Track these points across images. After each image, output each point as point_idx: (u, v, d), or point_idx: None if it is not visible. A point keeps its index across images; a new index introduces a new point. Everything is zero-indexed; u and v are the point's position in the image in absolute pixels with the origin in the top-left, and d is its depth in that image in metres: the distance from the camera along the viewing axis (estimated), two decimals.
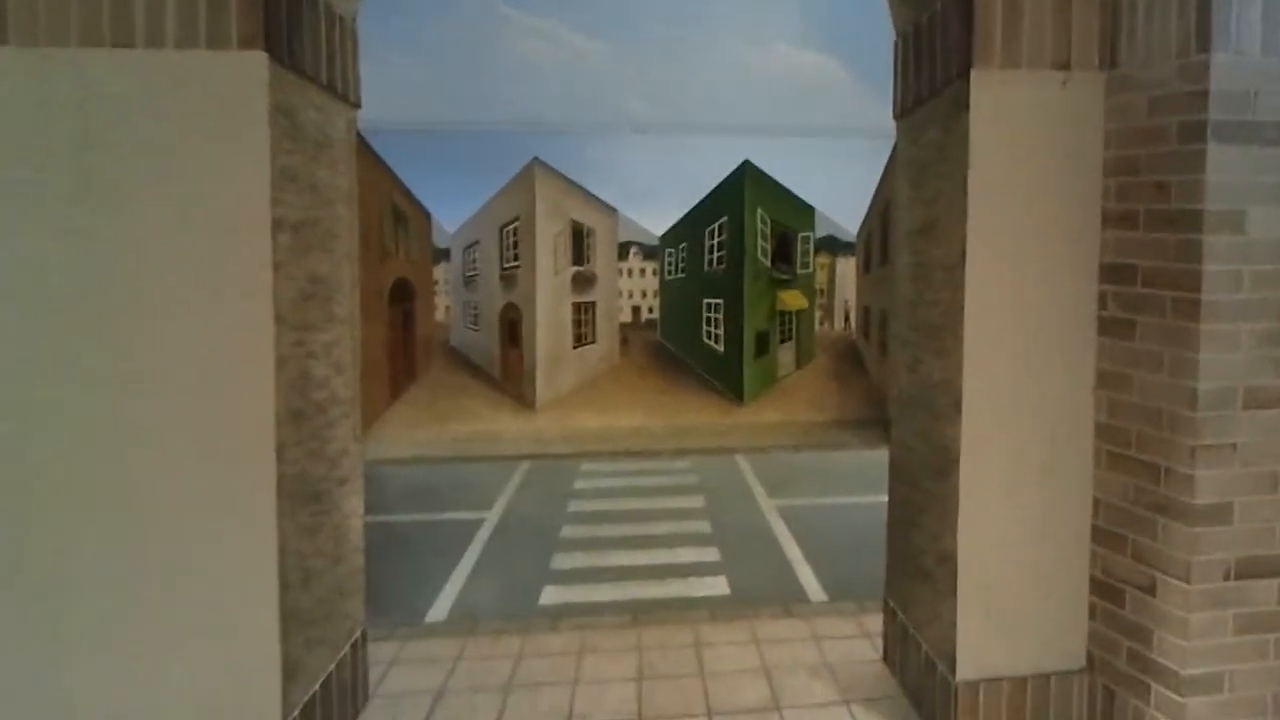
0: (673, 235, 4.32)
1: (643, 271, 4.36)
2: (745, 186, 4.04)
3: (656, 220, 4.34)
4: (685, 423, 4.06)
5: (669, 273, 4.40)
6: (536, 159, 4.01)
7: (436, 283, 4.25)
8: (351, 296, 3.19)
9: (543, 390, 4.01)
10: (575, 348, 4.20)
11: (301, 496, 2.74)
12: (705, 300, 4.26)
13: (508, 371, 4.13)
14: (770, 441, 4.03)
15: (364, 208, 3.43)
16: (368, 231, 3.52)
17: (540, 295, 4.02)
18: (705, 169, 4.17)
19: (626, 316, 4.33)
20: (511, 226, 4.11)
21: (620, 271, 4.29)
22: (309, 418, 2.80)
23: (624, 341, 4.30)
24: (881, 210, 4.04)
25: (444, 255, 4.27)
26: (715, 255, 4.22)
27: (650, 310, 4.33)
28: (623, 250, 4.32)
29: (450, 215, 4.19)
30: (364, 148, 3.42)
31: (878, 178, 4.06)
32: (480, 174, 4.13)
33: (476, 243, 4.22)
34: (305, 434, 2.77)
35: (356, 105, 3.22)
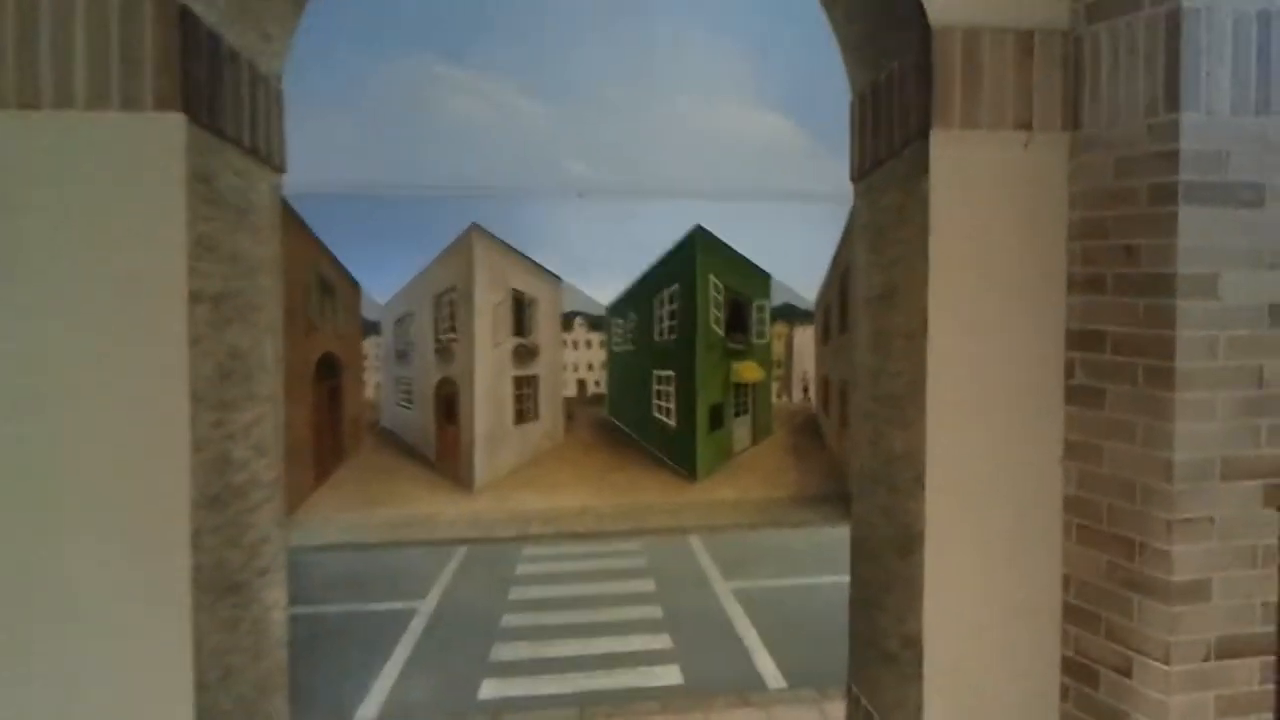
0: (621, 305, 4.33)
1: (589, 343, 4.37)
2: (696, 252, 4.09)
3: (603, 289, 4.35)
4: (635, 502, 4.05)
5: (617, 344, 4.41)
6: (475, 225, 4.02)
7: (366, 358, 4.20)
8: (275, 373, 3.13)
9: (481, 470, 3.96)
10: (517, 424, 4.20)
11: (219, 587, 2.67)
12: (655, 372, 4.28)
13: (444, 451, 4.08)
14: (725, 520, 4.02)
15: (289, 278, 3.40)
16: (292, 303, 3.48)
17: (479, 369, 4.00)
18: (654, 235, 4.22)
19: (571, 390, 4.32)
20: (448, 296, 4.10)
21: (565, 343, 4.30)
22: (227, 503, 2.74)
23: (569, 417, 4.29)
24: (840, 276, 4.11)
25: (374, 328, 4.22)
26: (666, 325, 4.25)
27: (597, 384, 4.32)
28: (567, 321, 4.33)
29: (381, 286, 4.17)
30: (289, 214, 3.41)
31: (836, 243, 4.13)
32: (414, 241, 4.14)
33: (410, 314, 4.19)
34: (223, 520, 2.71)
35: (281, 169, 3.19)
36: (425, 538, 3.78)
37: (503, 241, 3.84)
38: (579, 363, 4.04)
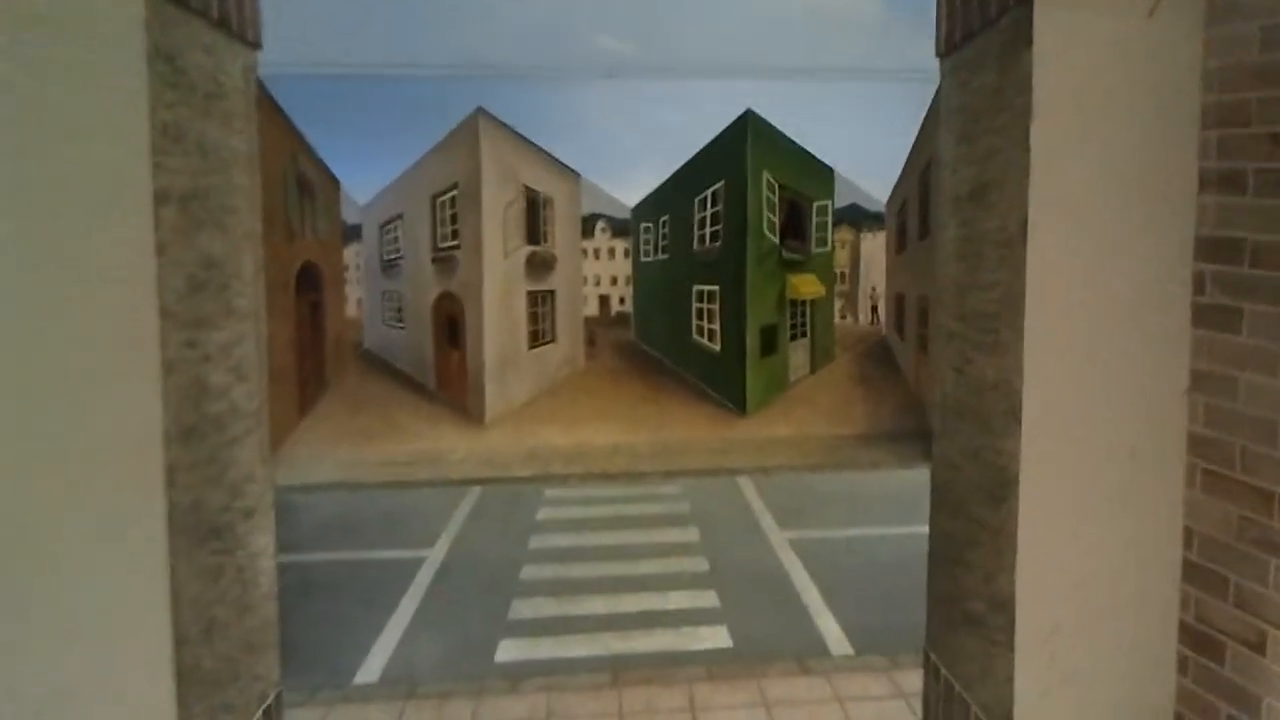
0: (651, 206, 4.24)
1: (612, 252, 4.28)
2: (748, 142, 3.97)
3: (631, 188, 4.26)
4: (674, 438, 4.02)
5: (646, 254, 4.32)
6: (481, 109, 3.93)
7: (346, 268, 4.15)
8: (255, 285, 3.18)
9: (493, 400, 3.95)
10: (531, 348, 4.14)
11: (199, 532, 2.72)
12: (695, 287, 4.20)
13: (445, 378, 4.06)
14: (781, 461, 3.99)
15: (266, 174, 3.38)
16: (271, 204, 3.46)
17: (488, 283, 3.96)
18: (695, 122, 4.11)
19: (592, 309, 4.25)
20: (448, 196, 4.04)
21: (585, 253, 4.21)
22: (205, 435, 2.78)
23: (590, 341, 4.22)
24: (920, 172, 3.99)
25: (354, 234, 4.16)
26: (708, 230, 4.16)
27: (622, 301, 4.25)
28: (588, 225, 4.24)
29: (361, 183, 4.08)
30: (265, 99, 3.37)
31: (915, 132, 4.01)
32: (406, 130, 4.04)
33: (399, 218, 4.13)
34: (201, 455, 2.75)
35: (256, 46, 3.18)
36: (431, 477, 3.75)
37: (513, 130, 3.75)
38: (601, 276, 3.96)
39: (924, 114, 3.83)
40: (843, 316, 4.28)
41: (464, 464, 3.85)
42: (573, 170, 4.15)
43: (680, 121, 4.17)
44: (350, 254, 4.10)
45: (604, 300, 4.31)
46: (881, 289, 4.27)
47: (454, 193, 4.01)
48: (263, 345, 3.22)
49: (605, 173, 4.20)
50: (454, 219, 4.02)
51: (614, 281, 4.30)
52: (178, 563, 2.55)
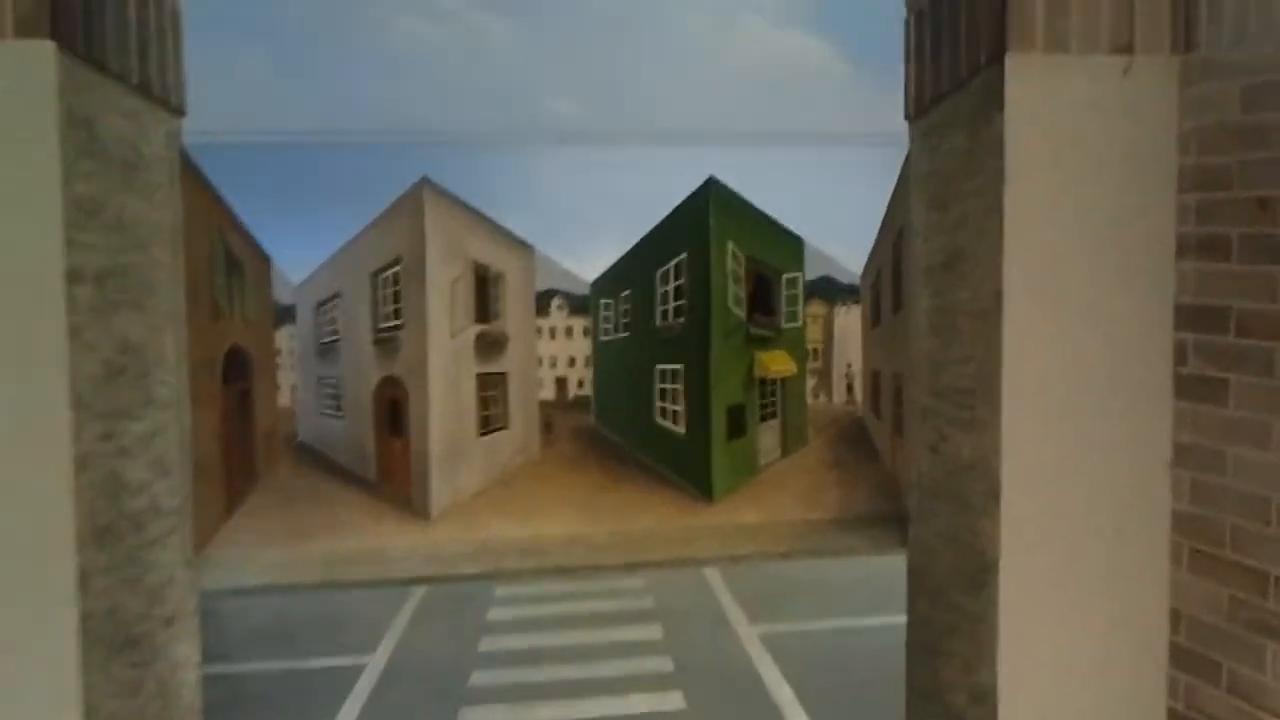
0: (611, 281, 4.21)
1: (570, 331, 4.23)
2: (710, 212, 3.98)
3: (589, 262, 4.22)
4: (636, 528, 3.94)
5: (606, 332, 4.28)
6: (425, 179, 3.91)
7: (279, 353, 4.06)
8: (177, 371, 3.15)
9: (439, 492, 3.88)
10: (482, 435, 4.09)
11: (114, 642, 2.66)
12: (658, 366, 4.17)
13: (388, 469, 3.99)
14: (750, 549, 3.95)
15: (190, 250, 3.36)
16: (195, 283, 3.42)
17: (434, 365, 3.91)
18: (655, 191, 4.10)
19: (549, 392, 4.20)
20: (390, 273, 4.00)
21: (540, 331, 4.17)
22: (122, 536, 2.73)
23: (546, 426, 4.18)
24: (893, 241, 4.01)
25: (287, 315, 4.09)
26: (671, 305, 4.15)
27: (581, 385, 4.20)
28: (543, 302, 4.20)
29: (295, 260, 4.03)
30: (189, 169, 3.36)
31: (886, 199, 4.03)
32: (340, 203, 4.00)
33: (336, 296, 4.06)
34: (118, 557, 2.70)
35: (180, 112, 3.19)
36: (373, 577, 3.66)
37: (460, 200, 3.73)
38: (557, 357, 3.91)
39: (895, 180, 3.86)
40: (816, 396, 4.26)
41: (407, 562, 3.77)
42: (525, 243, 4.12)
43: (640, 190, 4.16)
44: (283, 337, 4.02)
45: (561, 383, 4.26)
46: (858, 366, 4.25)
47: (396, 268, 3.97)
48: (186, 437, 3.18)
49: (561, 245, 4.17)
50: (396, 297, 3.97)
51: (571, 362, 4.26)
52: (91, 676, 2.48)
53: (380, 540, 3.82)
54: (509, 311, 4.10)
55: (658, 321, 4.13)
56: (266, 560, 3.65)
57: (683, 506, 4.01)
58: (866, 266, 4.24)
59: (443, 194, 3.95)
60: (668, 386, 4.10)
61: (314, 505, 3.83)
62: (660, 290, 4.13)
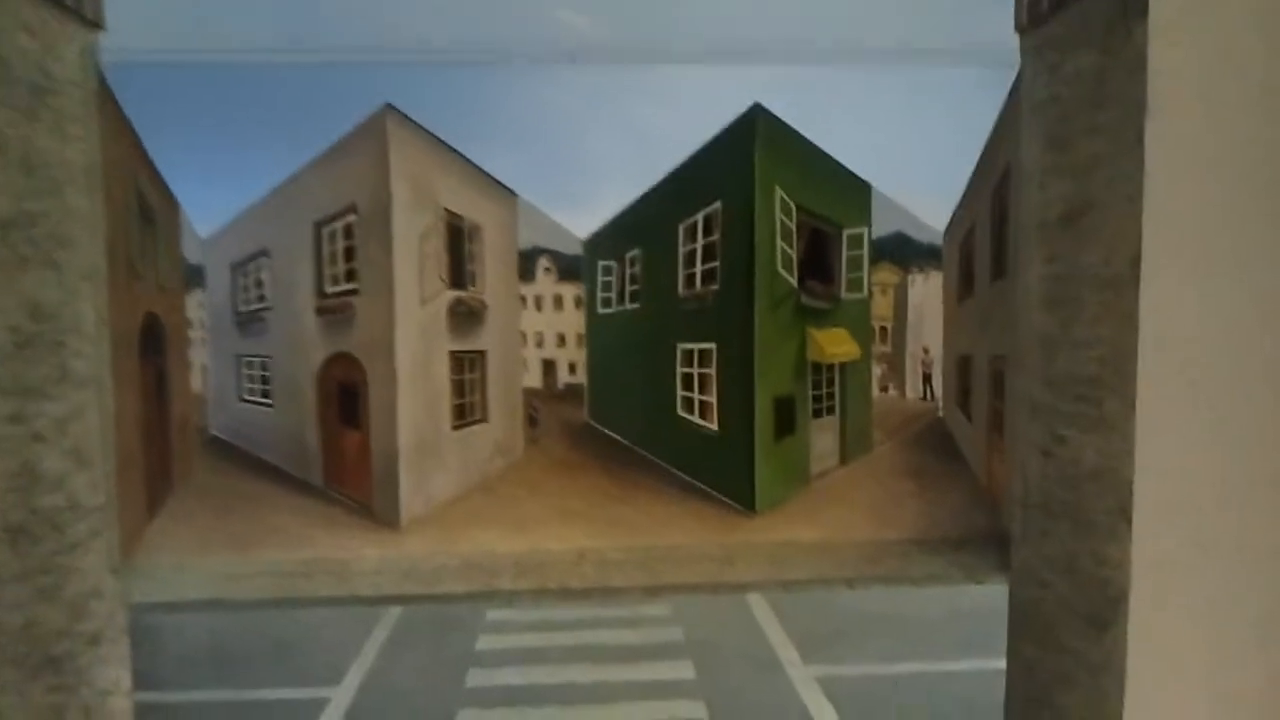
0: (614, 238, 4.07)
1: (559, 301, 4.11)
2: (756, 148, 3.83)
3: (585, 213, 4.06)
4: (659, 544, 3.87)
5: (606, 304, 4.15)
6: (389, 107, 3.75)
7: (189, 325, 3.91)
8: (98, 342, 3.13)
9: (410, 497, 3.85)
10: (455, 428, 4.03)
11: (30, 662, 2.71)
12: (681, 346, 4.08)
13: (339, 470, 3.90)
14: (805, 573, 3.86)
15: (108, 196, 3.29)
16: (113, 237, 3.34)
17: (402, 339, 3.81)
18: (680, 122, 3.92)
19: (534, 378, 4.08)
20: (339, 224, 3.87)
21: (524, 301, 4.04)
22: (38, 538, 2.79)
23: (531, 420, 4.06)
24: (993, 190, 3.86)
25: (194, 278, 3.92)
26: (699, 269, 4.02)
27: (573, 369, 4.07)
28: (527, 264, 4.06)
29: (205, 208, 3.86)
30: (109, 98, 3.30)
31: (985, 134, 3.85)
32: (271, 137, 3.81)
33: (262, 254, 3.94)
34: (32, 563, 2.75)
35: (97, 25, 3.11)
36: (335, 594, 3.56)
37: (431, 134, 3.55)
38: (544, 334, 3.73)
39: (999, 110, 3.67)
40: (883, 388, 4.12)
41: (377, 577, 3.73)
42: (507, 189, 3.97)
43: (660, 122, 3.99)
44: (190, 306, 3.88)
45: (549, 366, 4.16)
46: (937, 351, 4.10)
47: (349, 219, 3.89)
48: (109, 421, 3.19)
49: (551, 193, 4.00)
50: (349, 254, 3.87)
51: (561, 341, 4.14)
52: (5, 701, 2.55)
53: (339, 552, 3.79)
54: (487, 275, 3.99)
55: (681, 289, 4.10)
56: (207, 570, 3.64)
57: (717, 520, 3.93)
58: (953, 221, 4.09)
59: (410, 125, 3.83)
60: (695, 371, 3.99)
61: (249, 509, 3.79)
62: (685, 249, 4.09)
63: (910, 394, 4.13)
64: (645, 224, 4.00)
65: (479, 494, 3.93)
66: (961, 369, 4.09)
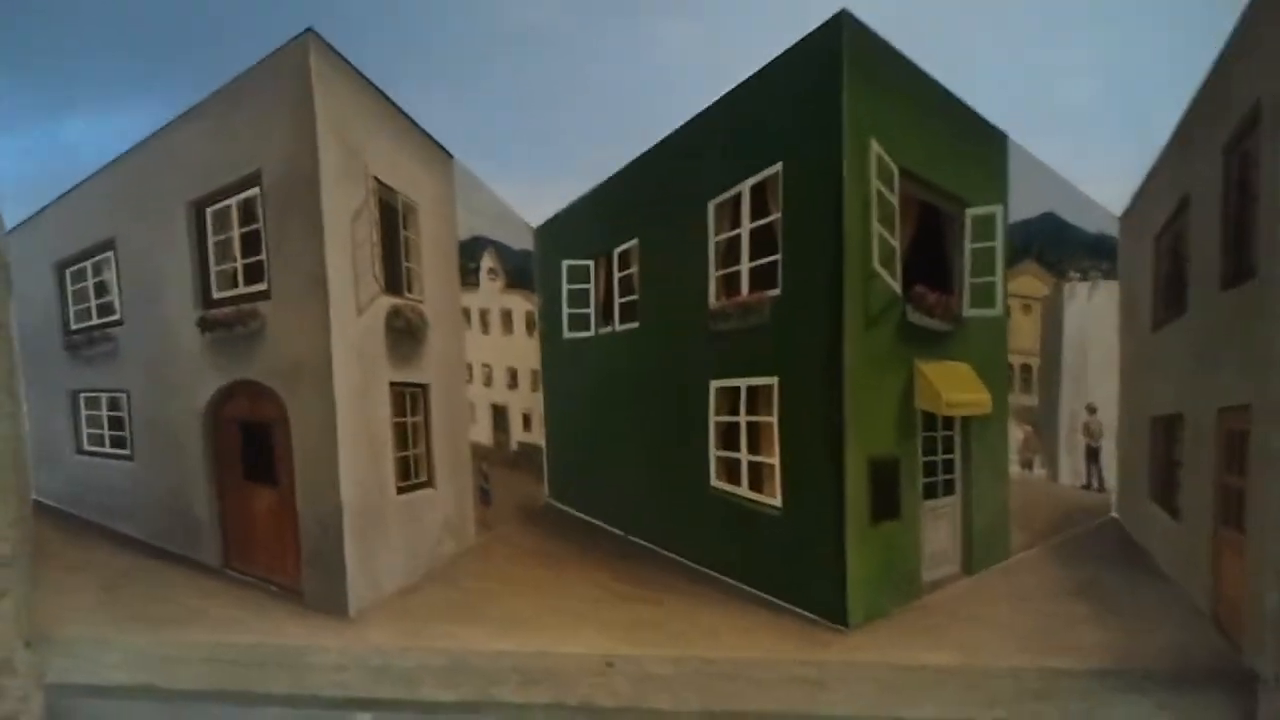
0: (591, 225, 3.33)
1: (507, 319, 3.24)
2: (844, 79, 2.73)
3: (548, 186, 3.23)
4: (718, 657, 3.10)
5: (577, 324, 3.45)
6: (312, 33, 2.78)
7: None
8: (4, 350, 2.90)
9: (357, 577, 3.08)
10: (400, 490, 3.19)
11: None
12: (716, 384, 3.11)
13: (245, 543, 3.20)
14: (938, 709, 3.00)
15: None
16: None
17: (340, 359, 2.92)
18: (707, 42, 2.97)
19: (482, 430, 3.34)
20: (233, 201, 3.03)
21: (466, 315, 3.22)
22: None
23: (482, 496, 3.43)
24: (1225, 143, 2.94)
25: None
26: (744, 267, 3.02)
27: (527, 424, 3.44)
28: (468, 259, 3.23)
29: (16, 183, 3.04)
30: None
31: (1209, 56, 2.84)
32: (117, 73, 2.97)
33: (107, 247, 3.25)
34: None
35: None
36: (296, 691, 2.99)
37: (356, 71, 2.84)
38: (492, 367, 3.06)
39: (1238, 17, 2.81)
40: (1024, 463, 3.14)
41: (342, 674, 3.09)
42: (442, 150, 3.19)
43: (676, 39, 2.90)
44: None
45: (499, 415, 3.32)
46: (1109, 410, 3.16)
47: (250, 192, 2.99)
48: (23, 449, 2.84)
49: (500, 156, 3.18)
50: (248, 243, 3.03)
51: (513, 380, 3.32)
52: None
53: (290, 639, 3.21)
54: (424, 275, 3.13)
55: (713, 298, 3.06)
56: (135, 649, 3.17)
57: (795, 632, 3.11)
58: (1142, 195, 3.12)
59: (335, 60, 2.88)
60: (741, 420, 3.02)
61: (143, 587, 3.26)
62: (718, 238, 3.04)
63: (1068, 477, 3.25)
64: (647, 202, 3.11)
65: (437, 585, 3.27)
66: (1162, 436, 3.12)
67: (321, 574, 3.08)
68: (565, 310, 3.25)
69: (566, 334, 3.23)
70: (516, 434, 3.34)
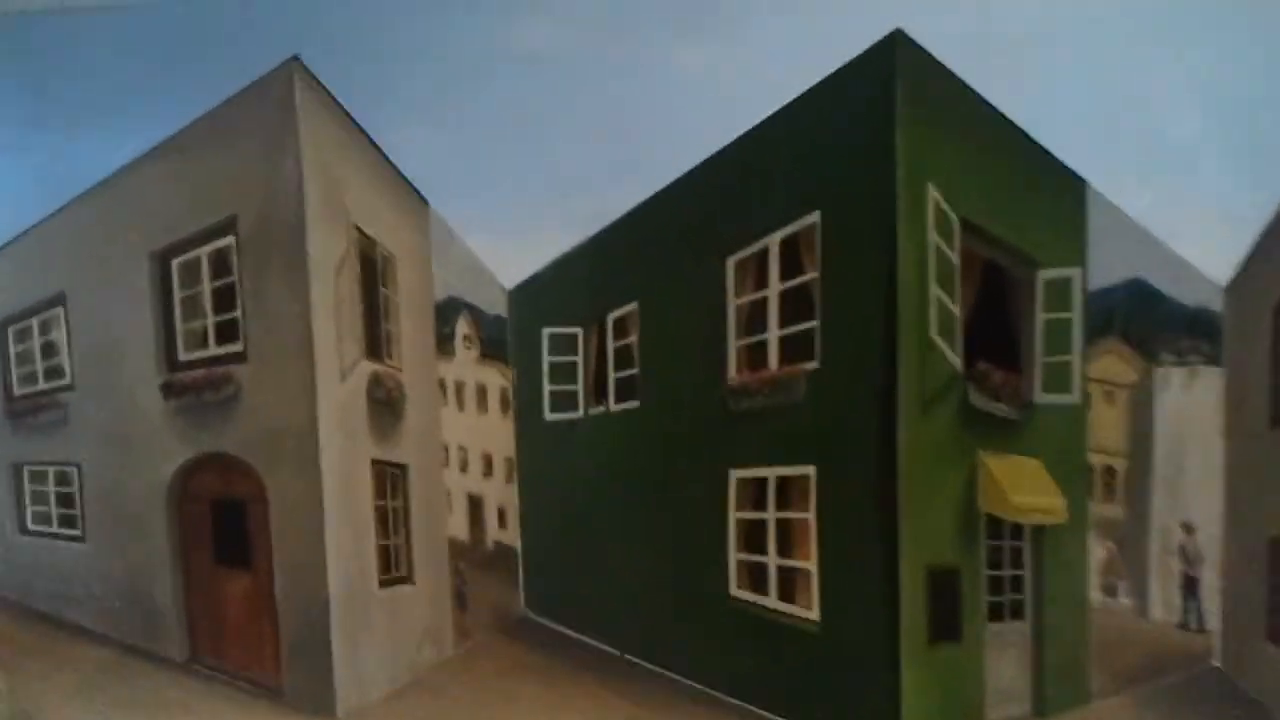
0: (579, 287, 3.17)
1: (482, 394, 3.10)
2: (898, 110, 2.56)
3: (532, 241, 3.10)
4: None
5: (564, 403, 3.27)
6: (297, 61, 2.72)
7: None
8: None
9: (345, 675, 2.86)
10: (383, 584, 3.04)
11: None
12: (737, 475, 2.91)
13: (215, 635, 3.03)
14: None
15: None
16: None
17: (327, 430, 2.79)
18: (730, 67, 2.73)
19: (458, 524, 3.17)
20: (204, 251, 2.92)
21: (442, 387, 3.05)
22: None
23: (459, 601, 3.23)
24: None
25: None
26: (772, 335, 2.84)
27: (503, 520, 3.20)
28: (443, 324, 3.09)
29: None
30: None
31: None
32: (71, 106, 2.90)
33: (56, 303, 3.15)
34: None
35: None
36: None
37: (339, 105, 2.86)
38: (468, 449, 3.05)
39: None
40: (1108, 590, 2.89)
41: None
42: (418, 195, 3.04)
43: (694, 68, 2.74)
44: None
45: (475, 505, 3.18)
46: (1214, 528, 2.83)
47: (223, 242, 2.89)
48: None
49: (479, 203, 2.98)
50: (221, 298, 2.92)
51: (488, 468, 3.12)
52: None
53: None
54: (403, 338, 2.97)
55: (732, 372, 2.89)
56: None
57: None
58: (1254, 258, 2.83)
59: (320, 93, 2.79)
60: (769, 517, 2.84)
61: (111, 679, 3.06)
62: (739, 300, 2.90)
63: (1158, 611, 2.95)
64: (650, 258, 2.97)
65: (424, 694, 3.04)
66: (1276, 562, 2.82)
67: (305, 669, 2.90)
68: (547, 387, 3.02)
69: (548, 415, 3.00)
70: (492, 531, 3.09)
